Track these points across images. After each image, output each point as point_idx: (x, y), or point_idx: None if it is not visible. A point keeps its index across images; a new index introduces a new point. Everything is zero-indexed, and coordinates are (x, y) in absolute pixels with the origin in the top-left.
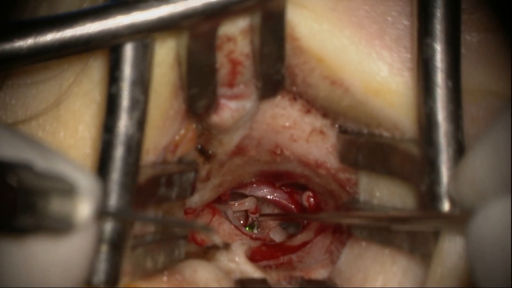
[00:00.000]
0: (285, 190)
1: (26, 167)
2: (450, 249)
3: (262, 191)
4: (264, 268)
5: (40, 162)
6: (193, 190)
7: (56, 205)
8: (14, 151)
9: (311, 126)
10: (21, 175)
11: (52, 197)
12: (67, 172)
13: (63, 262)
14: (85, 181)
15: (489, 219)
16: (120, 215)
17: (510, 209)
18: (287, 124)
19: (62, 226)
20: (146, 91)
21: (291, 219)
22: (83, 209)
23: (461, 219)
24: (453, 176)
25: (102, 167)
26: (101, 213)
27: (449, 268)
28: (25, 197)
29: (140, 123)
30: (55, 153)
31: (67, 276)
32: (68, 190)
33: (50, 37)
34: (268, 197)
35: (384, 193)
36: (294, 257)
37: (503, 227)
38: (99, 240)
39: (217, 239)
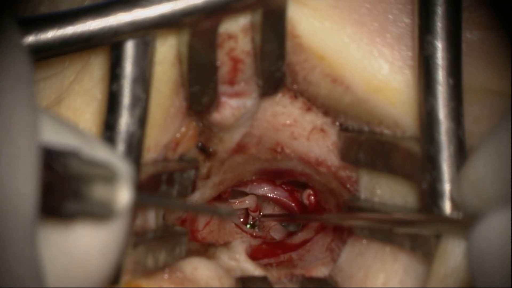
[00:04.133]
0: (286, 188)
1: (73, 154)
2: (454, 249)
3: (262, 189)
4: (265, 266)
5: (86, 149)
6: (193, 187)
7: (99, 192)
8: (61, 138)
9: (311, 124)
10: (68, 162)
11: (96, 184)
12: (109, 159)
13: (102, 247)
14: (124, 168)
15: (489, 232)
16: (151, 201)
17: (511, 223)
18: (287, 122)
19: (104, 212)
20: (147, 88)
21: (293, 220)
22: (123, 195)
23: (464, 223)
24: (456, 179)
25: None
26: (139, 201)
27: (452, 267)
28: (72, 184)
29: (141, 121)
30: (96, 140)
31: (103, 261)
32: (110, 177)
33: (51, 34)
34: (269, 195)
35: (385, 191)
36: (294, 255)
37: (503, 240)
38: None
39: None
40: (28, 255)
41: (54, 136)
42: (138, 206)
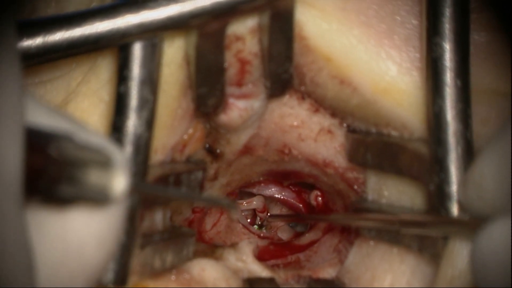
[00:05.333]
0: (293, 189)
1: (67, 138)
2: (461, 251)
3: (270, 190)
4: (272, 267)
5: (79, 134)
6: (201, 189)
7: (94, 177)
8: (53, 122)
9: (319, 126)
10: (62, 145)
11: (91, 169)
12: (103, 145)
13: (97, 234)
14: (119, 155)
15: (491, 240)
16: (150, 190)
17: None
18: (295, 123)
19: (99, 197)
20: (155, 90)
21: (300, 220)
22: (120, 182)
23: (471, 225)
24: (462, 182)
25: None
26: (135, 188)
27: (459, 269)
28: (66, 168)
29: (149, 123)
30: (89, 127)
31: (100, 249)
32: (105, 163)
33: (59, 36)
34: (276, 196)
35: (393, 193)
36: (302, 256)
37: (505, 248)
38: None
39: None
40: (15, 224)
41: (46, 120)
42: (133, 192)
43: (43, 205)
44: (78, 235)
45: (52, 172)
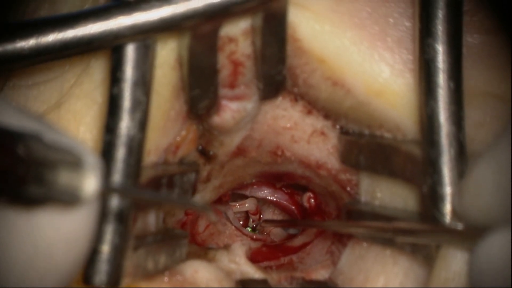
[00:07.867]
0: (286, 191)
1: (36, 138)
2: (455, 253)
3: (262, 192)
4: (265, 269)
5: (49, 134)
6: (194, 191)
7: (63, 178)
8: (23, 122)
9: (312, 127)
10: (30, 145)
11: (60, 169)
12: (73, 146)
13: (67, 236)
14: (90, 156)
15: (491, 252)
16: (123, 192)
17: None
18: (288, 125)
19: (69, 199)
20: (148, 92)
21: (294, 226)
22: (90, 183)
23: (466, 234)
24: (458, 191)
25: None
26: (106, 189)
27: (453, 272)
28: (34, 168)
29: (142, 124)
30: (59, 129)
31: (70, 251)
32: (75, 164)
33: (52, 37)
34: (269, 198)
35: (386, 194)
36: (294, 257)
37: (504, 260)
38: (101, 241)
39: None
40: None
41: (15, 119)
42: (105, 195)
43: (11, 205)
44: (47, 236)
45: (20, 172)
